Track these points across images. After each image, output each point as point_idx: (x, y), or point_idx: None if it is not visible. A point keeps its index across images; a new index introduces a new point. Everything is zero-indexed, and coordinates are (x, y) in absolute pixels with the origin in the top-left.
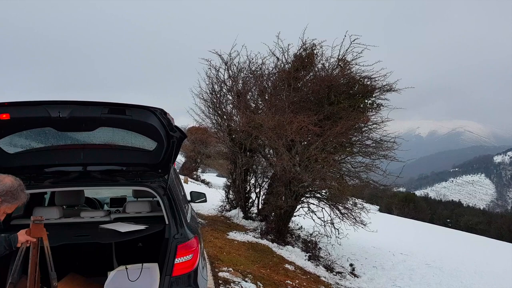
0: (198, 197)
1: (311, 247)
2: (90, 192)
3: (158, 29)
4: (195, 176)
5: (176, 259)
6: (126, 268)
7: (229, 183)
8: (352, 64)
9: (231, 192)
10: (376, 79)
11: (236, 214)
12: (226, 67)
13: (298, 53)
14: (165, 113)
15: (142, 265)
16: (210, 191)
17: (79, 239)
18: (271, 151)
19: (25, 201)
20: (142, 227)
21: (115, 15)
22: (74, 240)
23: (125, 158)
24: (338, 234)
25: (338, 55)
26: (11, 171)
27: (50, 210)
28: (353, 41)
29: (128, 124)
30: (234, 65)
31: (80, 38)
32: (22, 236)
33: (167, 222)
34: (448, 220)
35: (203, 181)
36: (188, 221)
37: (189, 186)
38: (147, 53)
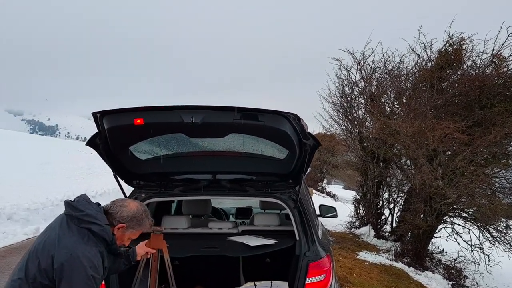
0: (328, 211)
1: (454, 275)
2: (214, 201)
3: (285, 30)
4: (320, 187)
5: (307, 279)
6: (255, 285)
7: (358, 197)
8: (509, 61)
9: (361, 207)
10: None
11: (366, 232)
12: (358, 67)
13: (443, 49)
14: (299, 118)
15: (271, 282)
16: (337, 205)
17: (207, 251)
18: (408, 161)
19: (149, 227)
20: (271, 241)
21: (234, 13)
22: (202, 252)
23: (255, 167)
24: (489, 261)
25: (492, 51)
26: (142, 177)
27: (179, 220)
28: (511, 33)
29: (260, 131)
30: (368, 64)
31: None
32: (140, 249)
33: (297, 238)
34: None
35: (328, 194)
36: (320, 237)
37: (314, 199)
38: (268, 53)
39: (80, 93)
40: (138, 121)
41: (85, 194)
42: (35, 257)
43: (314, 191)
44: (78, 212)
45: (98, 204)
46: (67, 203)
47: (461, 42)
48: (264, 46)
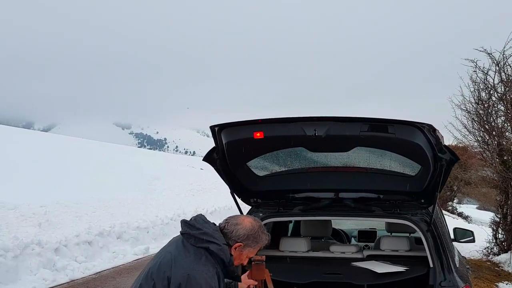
0: (464, 235)
1: None
2: (333, 222)
3: (406, 31)
4: (450, 207)
5: None
6: None
7: (497, 219)
8: None
9: (500, 231)
10: None
11: (507, 260)
12: (497, 68)
13: None
14: (434, 129)
15: None
16: (470, 228)
17: (330, 278)
18: None
19: (266, 243)
20: (401, 268)
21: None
22: (324, 278)
23: (382, 184)
24: None
25: None
26: (260, 195)
27: (298, 242)
28: None
29: (389, 144)
30: (509, 65)
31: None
32: (242, 282)
33: (431, 265)
34: None
35: (460, 215)
36: (457, 265)
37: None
38: (390, 57)
39: (188, 105)
40: (258, 134)
41: (201, 214)
42: (150, 279)
43: (443, 211)
44: (196, 230)
45: (215, 224)
46: (184, 222)
47: None
48: (383, 49)
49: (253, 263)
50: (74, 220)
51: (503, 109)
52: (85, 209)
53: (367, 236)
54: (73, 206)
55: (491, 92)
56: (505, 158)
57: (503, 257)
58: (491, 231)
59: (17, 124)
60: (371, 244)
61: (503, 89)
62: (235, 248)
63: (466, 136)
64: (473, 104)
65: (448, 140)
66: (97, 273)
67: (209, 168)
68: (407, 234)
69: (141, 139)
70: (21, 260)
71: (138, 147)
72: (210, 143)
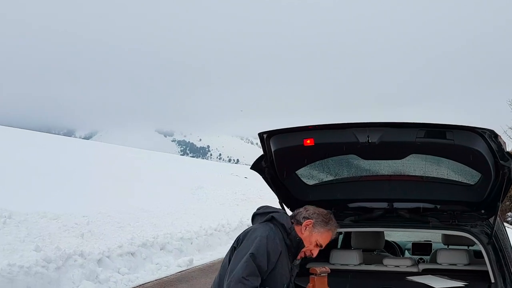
0: None
1: None
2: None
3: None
4: (509, 218)
5: None
6: None
7: None
8: None
9: None
10: None
11: None
12: None
13: None
14: (496, 135)
15: None
16: None
17: None
18: None
19: (335, 230)
20: (460, 283)
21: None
22: None
23: (439, 194)
24: None
25: None
26: (309, 205)
27: (349, 254)
28: None
29: (447, 151)
30: None
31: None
32: None
33: (492, 280)
34: None
35: None
36: None
37: None
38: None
39: (232, 112)
40: (308, 141)
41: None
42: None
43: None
44: (262, 209)
45: None
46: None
47: None
48: (428, 50)
49: (314, 276)
50: (117, 230)
51: None
52: (127, 219)
53: (422, 248)
54: (116, 216)
55: None
56: None
57: None
58: None
59: (58, 131)
60: (427, 257)
61: None
62: (306, 227)
63: None
64: None
65: (508, 146)
66: (140, 285)
67: (253, 176)
68: (465, 247)
69: (184, 147)
70: (63, 271)
71: (181, 155)
72: (255, 151)
